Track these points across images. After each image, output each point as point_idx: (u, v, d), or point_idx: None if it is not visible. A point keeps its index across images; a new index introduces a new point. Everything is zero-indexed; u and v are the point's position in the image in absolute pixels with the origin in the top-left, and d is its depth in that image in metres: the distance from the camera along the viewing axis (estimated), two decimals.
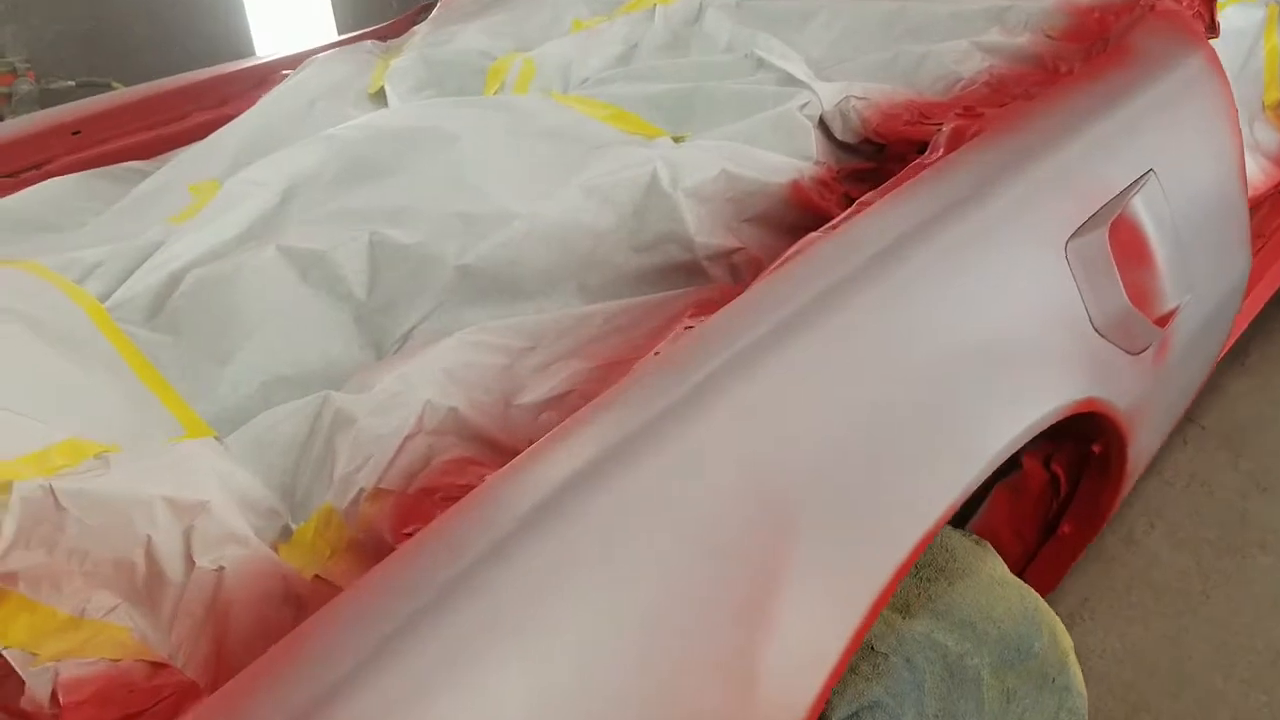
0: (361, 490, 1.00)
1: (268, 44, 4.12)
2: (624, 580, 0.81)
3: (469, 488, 0.99)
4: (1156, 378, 1.41)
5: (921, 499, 0.98)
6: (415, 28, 2.46)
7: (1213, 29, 1.84)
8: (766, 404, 0.94)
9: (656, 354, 1.16)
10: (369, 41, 2.35)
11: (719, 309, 1.32)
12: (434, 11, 2.52)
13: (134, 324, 1.30)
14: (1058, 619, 1.37)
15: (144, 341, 1.27)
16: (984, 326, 1.13)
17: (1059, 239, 1.26)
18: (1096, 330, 1.27)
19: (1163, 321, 1.39)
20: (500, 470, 0.87)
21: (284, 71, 2.30)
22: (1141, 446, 1.44)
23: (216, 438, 1.17)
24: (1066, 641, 1.36)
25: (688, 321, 1.24)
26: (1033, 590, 1.35)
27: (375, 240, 1.36)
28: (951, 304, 1.11)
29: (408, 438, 1.03)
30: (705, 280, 1.44)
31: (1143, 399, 1.37)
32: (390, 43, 2.37)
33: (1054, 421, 1.14)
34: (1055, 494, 1.55)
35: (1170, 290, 1.43)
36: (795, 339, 1.00)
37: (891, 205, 1.23)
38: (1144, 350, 1.36)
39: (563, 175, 1.47)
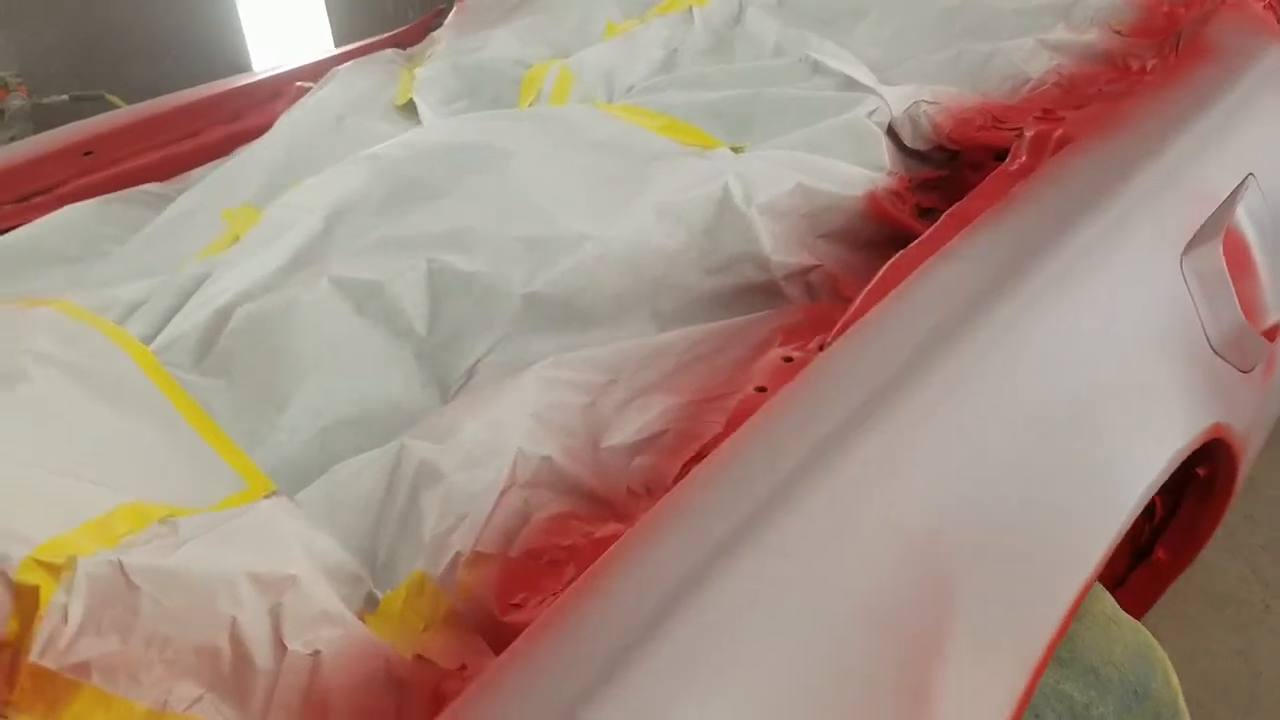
0: (458, 554, 0.90)
1: (263, 53, 4.00)
2: (779, 654, 0.72)
3: (575, 549, 0.90)
4: (1265, 395, 1.33)
5: (1076, 548, 0.89)
6: (433, 34, 2.37)
7: None
8: (906, 456, 0.85)
9: (761, 390, 1.07)
10: (389, 50, 2.25)
11: (809, 334, 1.24)
12: (450, 16, 2.42)
13: (182, 368, 1.21)
14: (1165, 654, 1.29)
15: (194, 387, 1.18)
16: (1115, 354, 1.04)
17: (1174, 253, 1.18)
18: (1214, 350, 1.19)
19: (1271, 335, 1.31)
20: (629, 534, 0.78)
21: (299, 83, 2.20)
22: (1248, 467, 1.36)
23: (277, 491, 1.08)
24: (1175, 679, 1.28)
25: (783, 351, 1.16)
26: (1142, 626, 1.27)
27: (434, 269, 1.27)
28: (1081, 331, 1.02)
29: (503, 493, 0.94)
30: (781, 300, 1.36)
31: (1254, 419, 1.29)
32: (411, 51, 2.28)
33: (1191, 452, 1.06)
34: (1148, 518, 1.46)
35: (1274, 301, 1.35)
36: (923, 381, 0.90)
37: (997, 222, 1.15)
38: (1254, 367, 1.28)
39: (626, 192, 1.38)
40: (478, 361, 1.24)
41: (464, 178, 1.42)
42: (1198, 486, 1.35)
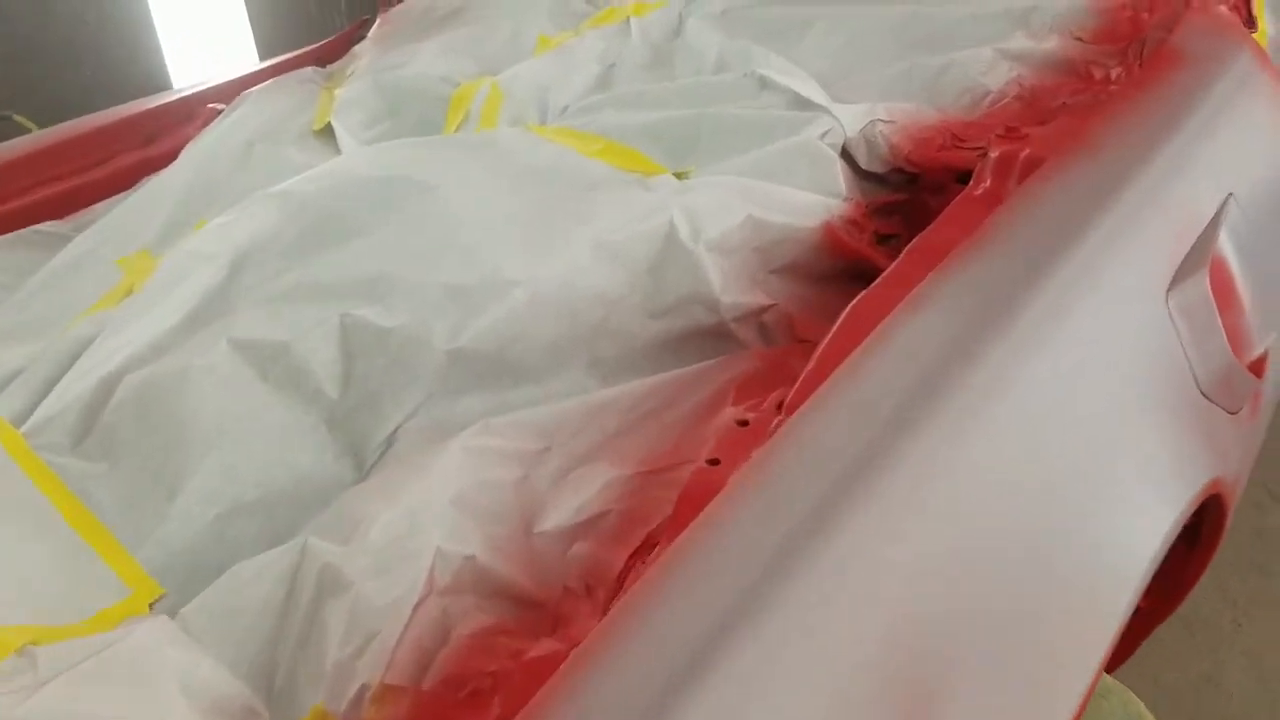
0: (364, 686, 0.78)
1: (183, 68, 3.77)
2: None
3: (501, 676, 0.78)
4: (1251, 434, 1.23)
5: (1078, 648, 0.79)
6: (355, 48, 2.22)
7: (1251, 21, 1.68)
8: (877, 559, 0.74)
9: (714, 463, 0.96)
10: (308, 69, 2.10)
11: (765, 387, 1.13)
12: (374, 29, 2.27)
13: (59, 451, 1.06)
14: (1151, 717, 1.21)
15: (72, 473, 1.04)
16: (1105, 414, 0.94)
17: (1159, 289, 1.08)
18: (1202, 393, 1.09)
19: (1258, 369, 1.22)
20: (567, 665, 0.66)
21: (212, 105, 2.05)
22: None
23: (165, 595, 0.95)
24: None
25: (736, 413, 1.04)
26: (1129, 691, 1.18)
27: (347, 324, 1.14)
28: (1066, 390, 0.92)
29: (418, 605, 0.82)
30: (732, 345, 1.24)
31: (1242, 462, 1.20)
32: (331, 68, 2.13)
33: (1191, 514, 0.96)
34: None
35: (1258, 330, 1.25)
36: (892, 467, 0.79)
37: (965, 264, 1.04)
38: (1242, 407, 1.18)
39: (561, 227, 1.26)
40: (398, 427, 1.11)
41: (383, 215, 1.29)
42: (1184, 534, 1.25)
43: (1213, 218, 1.20)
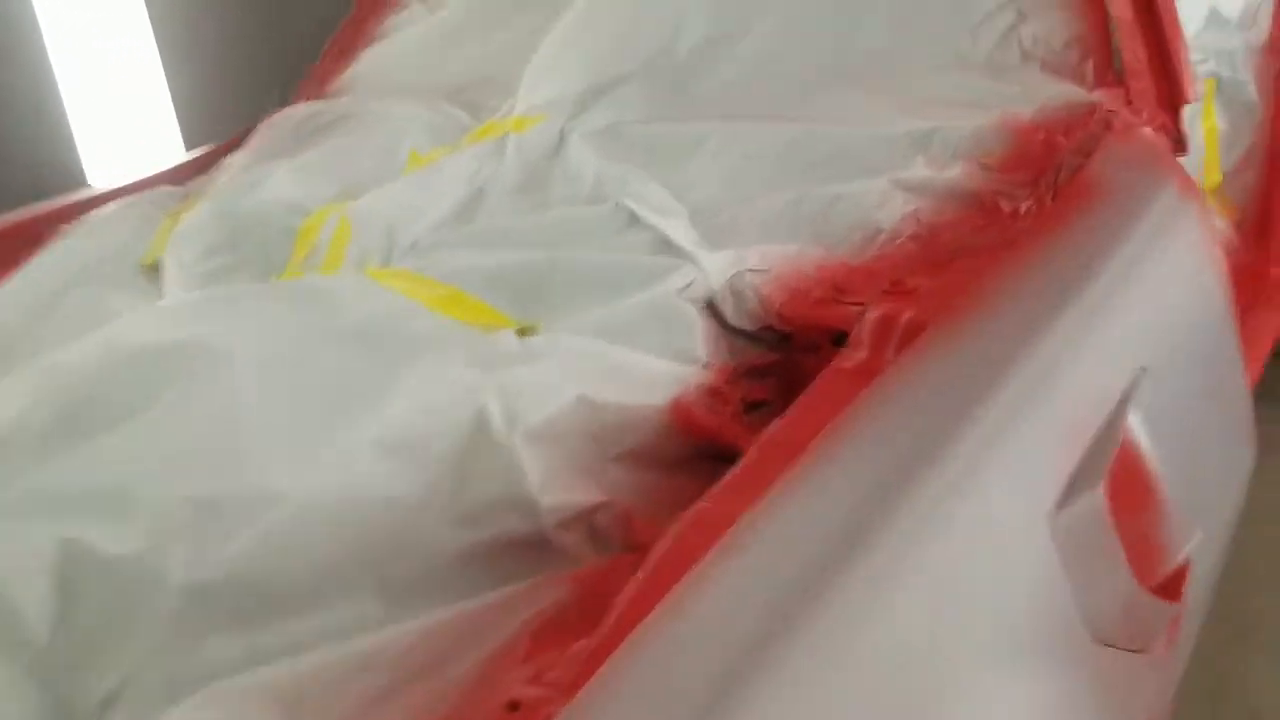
0: None
1: (100, 166, 3.53)
2: None
3: None
4: (1169, 666, 1.03)
5: None
6: (228, 159, 2.04)
7: (1181, 145, 1.51)
8: None
9: None
10: (164, 187, 1.91)
11: (569, 632, 0.92)
12: (255, 137, 2.09)
13: None
14: None
15: None
16: (971, 681, 0.75)
17: (1039, 511, 0.88)
18: (1095, 639, 0.89)
19: (1173, 589, 1.02)
20: None
21: (61, 226, 1.86)
22: None
23: None
24: None
25: (516, 681, 0.84)
26: None
27: (68, 551, 0.94)
28: (927, 649, 0.73)
29: None
30: (555, 555, 1.04)
31: (1159, 702, 1.00)
32: (190, 185, 1.94)
33: None
34: None
35: (1177, 534, 1.06)
36: None
37: (818, 466, 0.86)
38: (1154, 642, 0.98)
39: (352, 415, 1.07)
40: (121, 683, 0.90)
41: (149, 398, 1.09)
42: None
43: (1116, 407, 1.01)
